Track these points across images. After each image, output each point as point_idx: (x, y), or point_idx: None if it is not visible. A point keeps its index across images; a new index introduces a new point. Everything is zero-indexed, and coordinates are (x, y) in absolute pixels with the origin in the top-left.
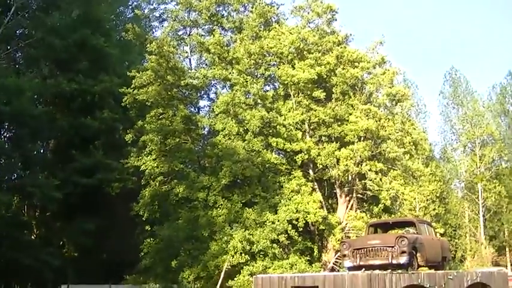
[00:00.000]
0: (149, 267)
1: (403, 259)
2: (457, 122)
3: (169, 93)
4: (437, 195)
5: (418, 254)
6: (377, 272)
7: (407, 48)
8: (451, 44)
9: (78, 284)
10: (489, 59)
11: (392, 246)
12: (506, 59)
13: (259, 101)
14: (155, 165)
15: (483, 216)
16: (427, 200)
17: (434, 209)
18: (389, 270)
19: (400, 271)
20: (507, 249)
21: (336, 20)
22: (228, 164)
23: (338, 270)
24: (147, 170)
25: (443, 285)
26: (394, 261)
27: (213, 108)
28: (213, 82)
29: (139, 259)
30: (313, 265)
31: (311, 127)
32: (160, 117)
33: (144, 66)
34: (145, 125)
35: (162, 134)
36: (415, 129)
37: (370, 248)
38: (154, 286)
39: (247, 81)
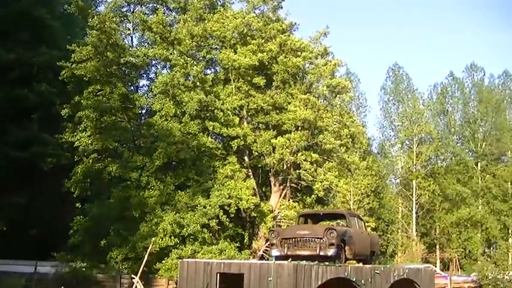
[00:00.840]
0: (78, 246)
1: (331, 251)
2: (396, 118)
3: (108, 70)
4: (372, 189)
5: (346, 247)
6: (304, 262)
7: (353, 41)
8: (396, 40)
9: (4, 258)
10: (432, 58)
11: (321, 238)
12: (448, 59)
13: (198, 83)
14: (89, 142)
15: (416, 213)
16: (361, 193)
17: (368, 203)
18: (317, 262)
19: (327, 263)
20: (437, 246)
21: (281, 7)
22: (163, 145)
23: (267, 259)
24: (81, 147)
25: (369, 280)
26: (322, 253)
27: (151, 88)
28: (153, 62)
29: (68, 236)
30: (242, 252)
31: (249, 113)
32: (97, 93)
33: (85, 41)
34: (82, 101)
35: (99, 110)
36: (353, 122)
37: (299, 239)
38: (82, 265)
39: (187, 63)
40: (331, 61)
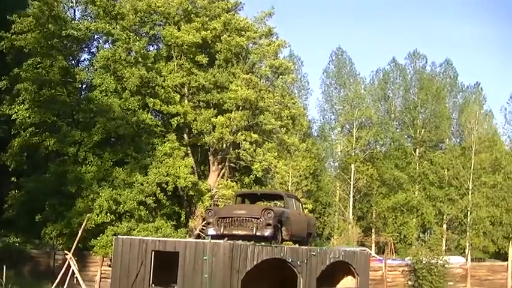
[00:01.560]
0: (12, 220)
1: (268, 232)
2: (337, 102)
3: (49, 42)
4: (311, 172)
5: (283, 228)
6: (240, 242)
7: (298, 24)
8: (340, 25)
9: None
10: (376, 44)
11: (258, 218)
12: (391, 46)
13: (140, 59)
14: (27, 115)
15: (353, 196)
16: (300, 175)
17: (306, 185)
18: (253, 242)
19: (263, 243)
20: (373, 230)
21: None
22: (102, 120)
23: (203, 238)
24: (18, 120)
25: (305, 261)
26: (259, 233)
27: (92, 63)
28: (95, 36)
29: (2, 211)
30: (178, 230)
31: (190, 91)
32: (37, 66)
33: (26, 12)
34: (22, 73)
35: (38, 83)
36: (294, 103)
37: (236, 218)
38: (16, 240)
39: (130, 38)
40: (274, 42)
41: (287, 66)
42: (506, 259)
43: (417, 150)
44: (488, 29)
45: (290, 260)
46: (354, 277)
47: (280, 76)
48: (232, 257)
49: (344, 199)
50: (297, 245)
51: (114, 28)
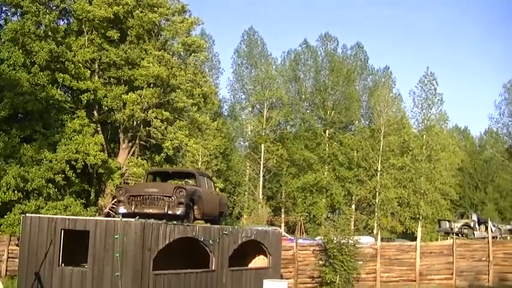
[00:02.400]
0: None
1: (180, 210)
2: (248, 82)
3: None
4: (221, 151)
5: (195, 207)
6: (151, 221)
7: (210, 2)
8: (253, 5)
9: None
10: (288, 26)
11: (170, 196)
12: (303, 26)
13: (50, 33)
14: None
15: (263, 176)
16: (210, 154)
17: (216, 165)
18: (164, 221)
19: (175, 222)
20: (283, 210)
21: None
22: (9, 95)
23: (113, 217)
24: None
25: (217, 240)
26: (170, 212)
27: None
28: (3, 8)
29: None
30: (88, 209)
31: (101, 67)
32: None
33: None
34: None
35: None
36: (206, 81)
37: (147, 196)
38: None
39: (40, 11)
40: (187, 19)
41: (199, 44)
42: (413, 239)
43: (327, 131)
44: (398, 13)
45: (202, 239)
46: (266, 256)
47: (193, 54)
48: (143, 235)
49: (254, 179)
50: (209, 224)
51: (23, 0)
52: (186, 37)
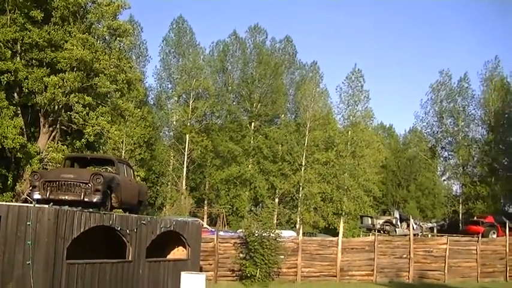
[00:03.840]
0: None
1: (96, 198)
2: (175, 71)
3: None
4: (145, 140)
5: (113, 195)
6: (66, 208)
7: None
8: None
9: None
10: (218, 17)
11: (87, 183)
12: (233, 17)
13: None
14: None
15: (187, 167)
16: (134, 143)
17: (140, 154)
18: (80, 208)
19: (91, 210)
20: (206, 201)
21: None
22: None
23: (30, 203)
24: None
25: (135, 230)
26: (87, 199)
27: None
28: None
29: None
30: (4, 194)
31: (23, 48)
32: None
33: None
34: None
35: None
36: (131, 67)
37: (63, 182)
38: None
39: None
40: (114, 2)
41: (126, 28)
42: (335, 235)
43: (253, 123)
44: (328, 9)
45: (119, 228)
46: (185, 248)
47: (118, 38)
48: (57, 223)
49: (178, 169)
50: (127, 213)
51: None
52: (112, 21)
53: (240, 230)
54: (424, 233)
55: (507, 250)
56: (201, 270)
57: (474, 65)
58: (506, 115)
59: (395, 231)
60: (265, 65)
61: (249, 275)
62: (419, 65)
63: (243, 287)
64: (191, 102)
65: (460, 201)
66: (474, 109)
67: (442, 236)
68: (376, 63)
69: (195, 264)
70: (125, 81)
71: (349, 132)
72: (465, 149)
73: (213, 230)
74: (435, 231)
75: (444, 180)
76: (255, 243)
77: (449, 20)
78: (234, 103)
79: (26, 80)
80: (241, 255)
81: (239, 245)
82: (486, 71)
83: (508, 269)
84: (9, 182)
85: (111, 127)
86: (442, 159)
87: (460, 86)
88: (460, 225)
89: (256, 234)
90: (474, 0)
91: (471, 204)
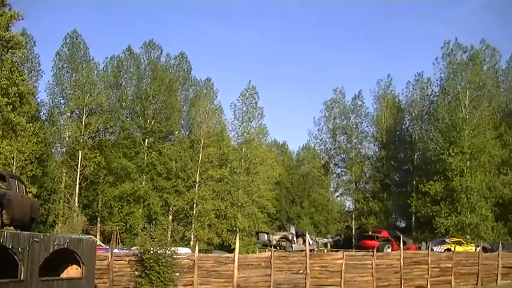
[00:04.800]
0: None
1: None
2: (68, 86)
3: None
4: (37, 156)
5: (4, 211)
6: None
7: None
8: (77, 8)
9: None
10: (112, 31)
11: None
12: (128, 33)
13: None
14: None
15: (80, 184)
16: (25, 159)
17: (31, 170)
18: None
19: None
20: (99, 219)
21: None
22: None
23: None
24: None
25: (27, 248)
26: None
27: None
28: None
29: None
30: None
31: None
32: None
33: None
34: None
35: None
36: (23, 80)
37: None
38: None
39: None
40: (7, 13)
41: (18, 40)
42: (230, 251)
43: (146, 140)
44: (223, 26)
45: (10, 246)
46: (80, 266)
47: (10, 50)
48: None
49: (70, 186)
50: (18, 230)
51: None
52: (4, 32)
53: (135, 248)
54: (320, 248)
55: (401, 264)
56: None
57: (368, 83)
58: (398, 132)
59: (292, 246)
60: (159, 81)
61: None
62: (313, 82)
63: None
64: (84, 117)
65: (353, 217)
66: (367, 126)
67: (338, 251)
68: (271, 80)
69: (90, 282)
70: (16, 95)
71: (243, 149)
72: (358, 165)
73: (107, 247)
74: (329, 246)
75: (337, 196)
76: (151, 261)
77: (343, 38)
78: (128, 119)
79: None
80: (136, 272)
81: (134, 262)
82: (379, 89)
83: (402, 283)
84: None
85: (1, 141)
86: (335, 175)
87: (354, 104)
88: (354, 240)
89: (151, 252)
90: (368, 19)
91: (364, 219)
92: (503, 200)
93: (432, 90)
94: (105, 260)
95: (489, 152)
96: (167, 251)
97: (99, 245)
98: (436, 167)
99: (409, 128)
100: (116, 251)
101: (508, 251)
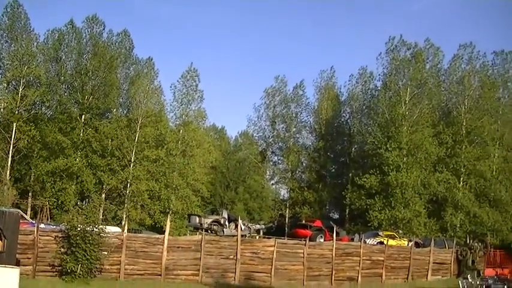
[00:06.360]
0: None
1: None
2: (6, 56)
3: None
4: None
5: None
6: None
7: None
8: None
9: None
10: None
11: None
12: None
13: None
14: None
15: (12, 157)
16: None
17: None
18: None
19: None
20: (30, 193)
21: None
22: None
23: None
24: None
25: None
26: None
27: None
28: None
29: None
30: None
31: None
32: None
33: None
34: None
35: None
36: None
37: None
38: None
39: None
40: None
41: None
42: (162, 233)
43: (83, 116)
44: (168, 7)
45: None
46: (1, 240)
47: None
48: None
49: (2, 158)
50: None
51: None
52: None
53: (63, 224)
54: (252, 234)
55: (333, 254)
56: (18, 263)
57: (311, 74)
58: (336, 124)
59: (223, 231)
60: (100, 57)
61: (69, 270)
62: (256, 69)
63: (63, 283)
64: (21, 89)
65: (287, 206)
66: (307, 116)
67: (270, 238)
68: (213, 65)
69: (11, 257)
70: None
71: (181, 131)
72: (295, 154)
73: (34, 222)
74: (261, 233)
75: (272, 184)
76: (77, 238)
77: (289, 27)
78: (66, 94)
79: None
80: (62, 249)
81: (61, 239)
82: (321, 80)
83: (333, 273)
84: None
85: None
86: (271, 163)
87: (295, 93)
88: (286, 228)
89: (79, 229)
90: (314, 8)
91: (298, 208)
92: (436, 197)
93: (374, 85)
94: (30, 235)
95: (426, 149)
96: (95, 229)
97: (25, 219)
98: (372, 161)
99: (348, 121)
100: (42, 226)
101: (439, 247)
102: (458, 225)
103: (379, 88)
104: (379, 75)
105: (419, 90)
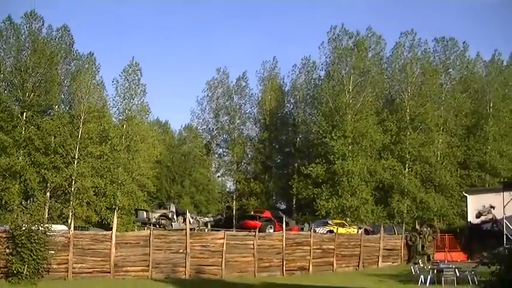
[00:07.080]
0: None
1: None
2: None
3: None
4: None
5: None
6: None
7: None
8: None
9: None
10: None
11: None
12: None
13: None
14: None
15: None
16: None
17: None
18: None
19: None
20: None
21: None
22: None
23: None
24: None
25: None
26: None
27: None
28: None
29: None
30: None
31: None
32: None
33: None
34: None
35: None
36: None
37: None
38: None
39: None
40: None
41: None
42: (109, 229)
43: (24, 114)
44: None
45: None
46: None
47: None
48: None
49: None
50: None
51: None
52: None
53: (7, 224)
54: (201, 227)
55: (284, 245)
56: None
57: (254, 65)
58: (280, 115)
59: (172, 225)
60: (40, 53)
61: (15, 272)
62: (198, 62)
63: (9, 285)
64: None
65: (234, 198)
66: (250, 107)
67: (219, 230)
68: (155, 58)
69: None
70: None
71: (124, 126)
72: (240, 146)
73: None
74: (209, 225)
75: (218, 176)
76: (22, 237)
77: (231, 18)
78: (6, 91)
79: None
80: (7, 250)
81: (5, 239)
82: (264, 71)
83: (284, 264)
84: None
85: None
86: (216, 156)
87: (238, 85)
88: (234, 220)
89: (23, 228)
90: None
91: (245, 200)
92: (383, 184)
93: (318, 75)
94: None
95: (371, 137)
96: (40, 228)
97: None
98: (318, 150)
99: (292, 111)
100: None
101: (389, 233)
102: (406, 211)
103: (322, 77)
104: (322, 64)
105: (363, 78)
